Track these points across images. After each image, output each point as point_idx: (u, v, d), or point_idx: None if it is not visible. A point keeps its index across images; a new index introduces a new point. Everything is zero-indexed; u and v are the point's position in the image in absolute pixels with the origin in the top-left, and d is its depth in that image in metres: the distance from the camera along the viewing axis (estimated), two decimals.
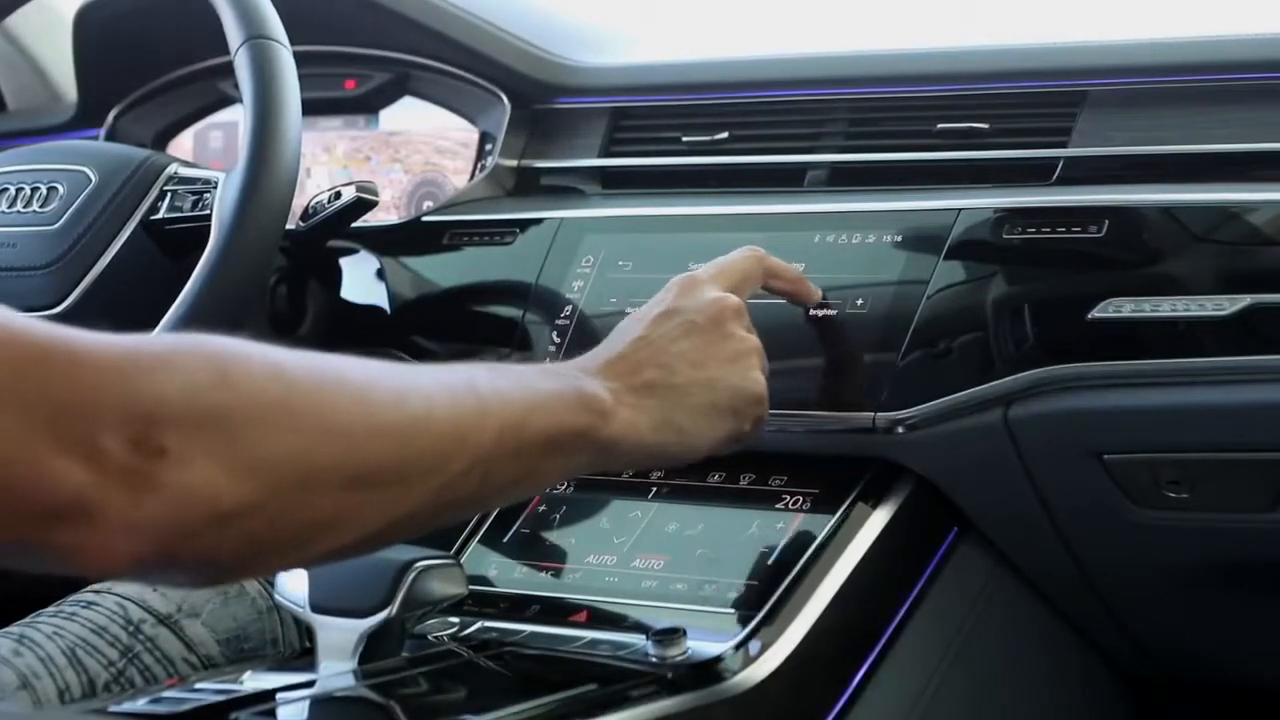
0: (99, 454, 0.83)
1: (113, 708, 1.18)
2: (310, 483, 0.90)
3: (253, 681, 1.21)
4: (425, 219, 1.61)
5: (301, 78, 1.45)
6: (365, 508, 0.94)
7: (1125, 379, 1.26)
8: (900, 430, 1.30)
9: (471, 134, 1.69)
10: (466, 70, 1.68)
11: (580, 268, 1.47)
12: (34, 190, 1.54)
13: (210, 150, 1.84)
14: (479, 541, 1.39)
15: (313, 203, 1.55)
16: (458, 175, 1.70)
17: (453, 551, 1.36)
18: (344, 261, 1.62)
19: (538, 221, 1.53)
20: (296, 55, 1.45)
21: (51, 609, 1.38)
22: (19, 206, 1.53)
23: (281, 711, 1.17)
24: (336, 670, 1.19)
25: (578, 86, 1.62)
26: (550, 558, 1.37)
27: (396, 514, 0.96)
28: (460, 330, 1.55)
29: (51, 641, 1.34)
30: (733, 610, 1.25)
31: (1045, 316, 1.29)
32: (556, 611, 1.31)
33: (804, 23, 1.75)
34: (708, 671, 1.20)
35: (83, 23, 1.83)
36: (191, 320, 1.38)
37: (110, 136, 1.84)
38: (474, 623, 1.31)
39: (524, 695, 1.15)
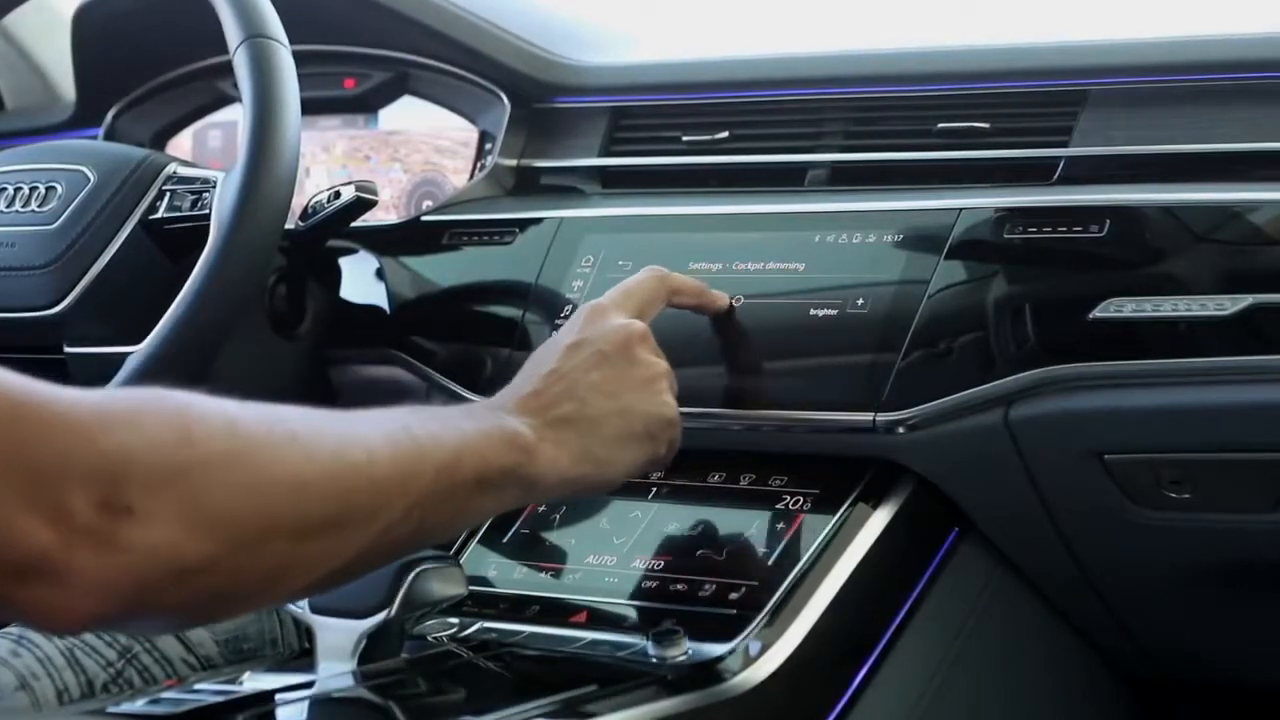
0: (66, 514, 0.84)
1: (111, 708, 1.18)
2: (267, 534, 0.92)
3: (252, 682, 1.21)
4: (425, 219, 1.61)
5: (301, 77, 1.45)
6: (314, 555, 0.96)
7: (1126, 379, 1.26)
8: (901, 430, 1.30)
9: (471, 133, 1.69)
10: (466, 69, 1.67)
11: (580, 267, 1.47)
12: (32, 190, 1.53)
13: (209, 150, 1.84)
14: (479, 542, 1.39)
15: (312, 202, 1.54)
16: (457, 175, 1.70)
17: (452, 552, 1.35)
18: (343, 261, 1.61)
19: (537, 221, 1.53)
20: (296, 54, 1.45)
21: None
22: (17, 206, 1.53)
23: (281, 713, 1.17)
24: (336, 671, 1.19)
25: (578, 86, 1.62)
26: (550, 558, 1.36)
27: (344, 559, 0.98)
28: (460, 330, 1.54)
29: (50, 642, 1.34)
30: (733, 611, 1.25)
31: (1046, 316, 1.29)
32: (556, 612, 1.31)
33: (804, 23, 1.75)
34: (708, 672, 1.20)
35: (81, 22, 1.83)
36: (191, 320, 1.38)
37: (109, 136, 1.83)
38: (473, 623, 1.31)
39: (524, 696, 1.15)
